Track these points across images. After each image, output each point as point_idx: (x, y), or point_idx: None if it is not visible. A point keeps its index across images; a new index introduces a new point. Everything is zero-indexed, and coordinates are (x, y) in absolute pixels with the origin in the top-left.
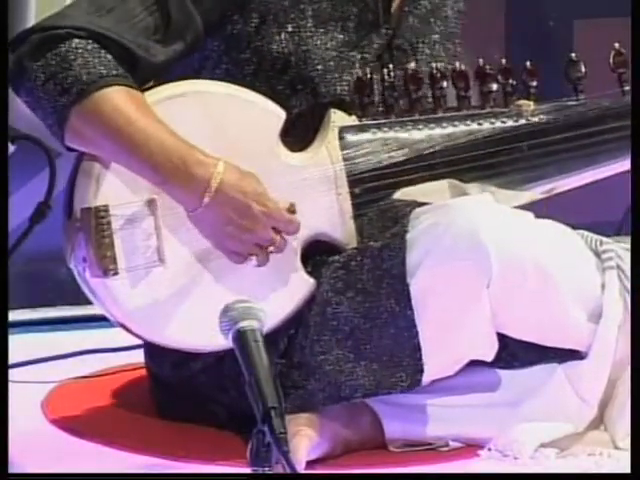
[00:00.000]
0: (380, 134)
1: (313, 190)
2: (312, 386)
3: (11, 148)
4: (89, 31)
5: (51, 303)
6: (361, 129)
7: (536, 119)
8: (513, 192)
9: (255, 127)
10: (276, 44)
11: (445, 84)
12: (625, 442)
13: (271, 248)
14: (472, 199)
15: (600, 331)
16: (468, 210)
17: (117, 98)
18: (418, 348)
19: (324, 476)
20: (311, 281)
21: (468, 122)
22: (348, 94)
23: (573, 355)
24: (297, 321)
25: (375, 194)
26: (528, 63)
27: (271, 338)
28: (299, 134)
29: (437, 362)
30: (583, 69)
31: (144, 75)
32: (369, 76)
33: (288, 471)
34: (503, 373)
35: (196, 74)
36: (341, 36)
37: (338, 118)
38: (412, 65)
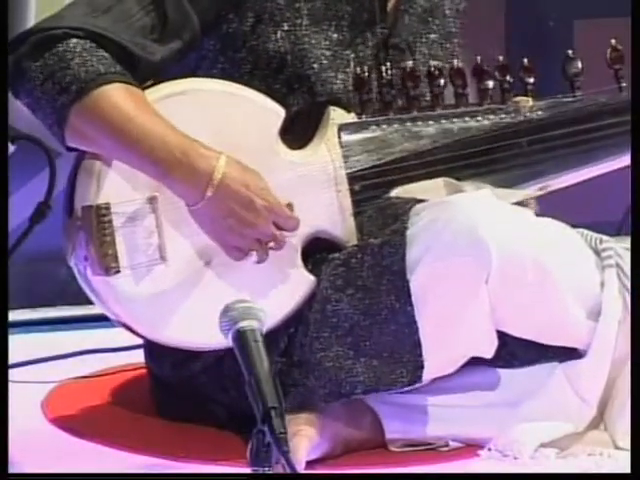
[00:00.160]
0: (379, 131)
1: (313, 187)
2: (312, 383)
3: (11, 148)
4: (86, 31)
5: (51, 303)
6: (360, 126)
7: (534, 116)
8: (508, 190)
9: (255, 125)
10: (272, 43)
11: (442, 81)
12: (625, 441)
13: (271, 244)
14: (472, 195)
15: (599, 329)
16: (467, 206)
17: (116, 95)
18: (418, 344)
19: (324, 476)
20: (311, 278)
21: (466, 119)
22: (344, 92)
23: (572, 354)
24: (297, 319)
25: (375, 191)
26: (525, 60)
27: (271, 337)
28: (298, 131)
29: (437, 359)
30: (580, 65)
31: (142, 74)
32: (367, 74)
33: (288, 471)
34: (503, 373)
35: (193, 74)
36: (335, 35)
37: (337, 115)
38: (410, 63)
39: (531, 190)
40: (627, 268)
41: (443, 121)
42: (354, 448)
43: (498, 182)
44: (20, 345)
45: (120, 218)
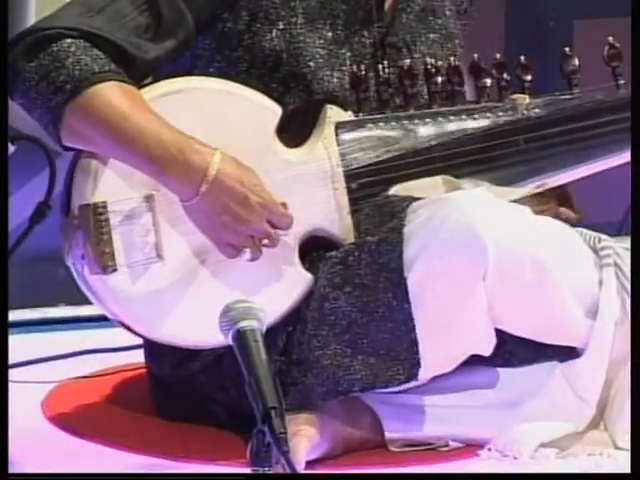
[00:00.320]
0: (376, 129)
1: (310, 185)
2: (310, 381)
3: (11, 148)
4: (80, 31)
5: (51, 303)
6: (357, 124)
7: (531, 113)
8: (505, 188)
9: (252, 123)
10: (267, 42)
11: (440, 79)
12: (625, 441)
13: (265, 241)
14: (469, 193)
15: (596, 328)
16: (465, 203)
17: (111, 93)
18: (415, 342)
19: (324, 476)
20: (309, 276)
21: (463, 117)
22: (341, 90)
23: (571, 354)
24: (295, 317)
25: (372, 189)
26: (522, 57)
27: (270, 335)
28: (295, 130)
29: (435, 356)
30: (577, 63)
31: (137, 73)
32: (364, 72)
33: (288, 471)
34: (502, 373)
35: (189, 73)
36: (330, 33)
37: (334, 114)
38: (407, 61)
39: (529, 188)
40: (626, 267)
41: (440, 119)
42: (354, 448)
43: (496, 180)
44: (20, 345)
45: (117, 216)
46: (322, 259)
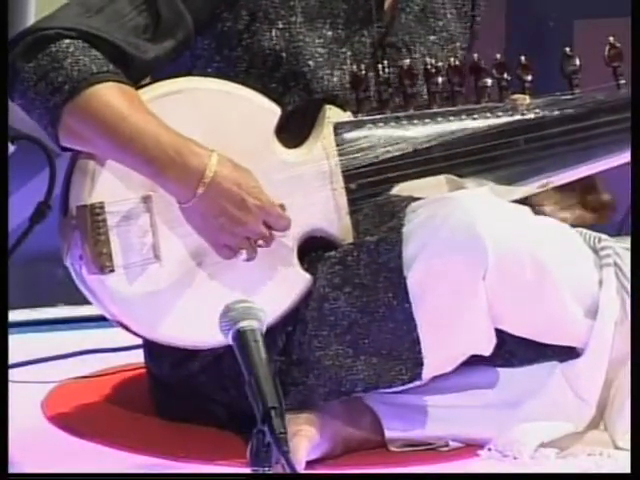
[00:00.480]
0: (375, 129)
1: (309, 186)
2: (312, 382)
3: (11, 148)
4: (79, 31)
5: (51, 303)
6: (356, 125)
7: (531, 114)
8: (508, 187)
9: (251, 124)
10: (267, 41)
11: (440, 79)
12: (625, 441)
13: (260, 242)
14: (469, 192)
15: (596, 328)
16: (465, 203)
17: (109, 94)
18: (417, 341)
19: (324, 476)
20: (307, 277)
21: (463, 117)
22: (341, 90)
23: (571, 353)
24: (295, 318)
25: (371, 189)
26: (523, 58)
27: (269, 335)
28: (294, 130)
29: (436, 356)
30: (578, 63)
31: (136, 73)
32: (364, 72)
33: (288, 471)
34: (502, 373)
35: (188, 73)
36: (330, 33)
37: (333, 114)
38: (407, 61)
39: (531, 187)
40: (626, 267)
41: (440, 119)
42: (354, 448)
43: (498, 179)
44: (20, 345)
45: (114, 217)
46: (321, 259)
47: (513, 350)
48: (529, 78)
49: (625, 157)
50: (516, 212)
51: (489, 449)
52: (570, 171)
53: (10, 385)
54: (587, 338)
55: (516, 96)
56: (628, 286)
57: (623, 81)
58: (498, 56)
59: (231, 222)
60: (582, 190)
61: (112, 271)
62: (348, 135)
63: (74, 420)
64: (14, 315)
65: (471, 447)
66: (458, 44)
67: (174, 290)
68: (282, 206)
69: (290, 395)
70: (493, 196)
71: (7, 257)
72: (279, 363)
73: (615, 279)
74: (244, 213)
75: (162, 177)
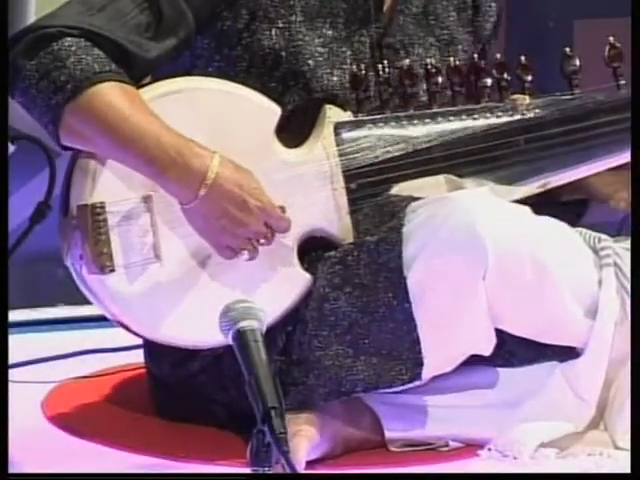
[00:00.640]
0: (376, 129)
1: (309, 186)
2: (312, 382)
3: (11, 148)
4: (81, 29)
5: (51, 303)
6: (357, 125)
7: (531, 114)
8: (508, 187)
9: (251, 123)
10: (266, 40)
11: (440, 79)
12: (625, 441)
13: (262, 241)
14: (469, 192)
15: (596, 328)
16: (465, 203)
17: (111, 94)
18: (417, 341)
19: (324, 476)
20: (308, 277)
21: (463, 117)
22: (340, 89)
23: (571, 353)
24: (295, 317)
25: (371, 189)
26: (523, 58)
27: (269, 335)
28: (295, 130)
29: (436, 356)
30: (578, 63)
31: (138, 72)
32: (364, 71)
33: (288, 471)
34: (502, 373)
35: (188, 72)
36: (330, 32)
37: (333, 114)
38: (407, 61)
39: (531, 187)
40: (625, 268)
41: (440, 119)
42: (354, 448)
43: (498, 179)
44: (20, 345)
45: (115, 217)
46: (321, 259)
47: (513, 350)
48: (529, 78)
49: (625, 157)
50: (516, 212)
51: (489, 449)
52: (570, 171)
53: (10, 385)
54: (587, 338)
55: (516, 96)
56: (628, 286)
57: (623, 81)
58: (498, 56)
59: (232, 223)
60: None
61: (112, 271)
62: (348, 135)
63: (74, 420)
64: (14, 315)
65: (471, 447)
66: (460, 47)
67: (174, 290)
68: (282, 208)
69: (290, 395)
70: (493, 196)
71: (7, 257)
72: (279, 363)
73: (615, 279)
74: (245, 214)
75: (163, 178)
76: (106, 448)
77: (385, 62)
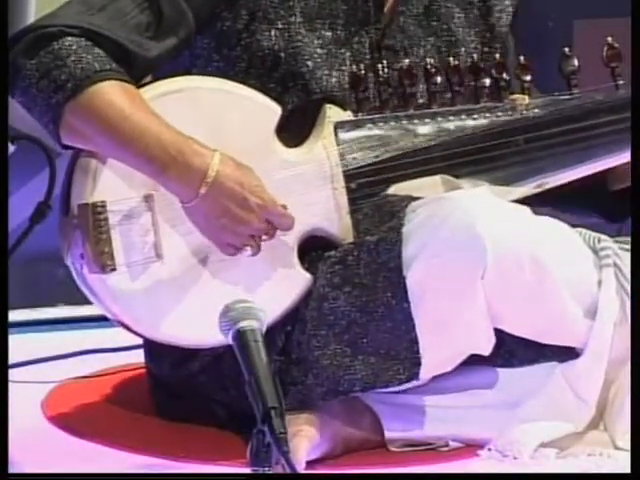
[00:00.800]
0: (375, 129)
1: (309, 185)
2: (310, 381)
3: (11, 148)
4: (82, 29)
5: (51, 303)
6: (356, 124)
7: (530, 113)
8: (506, 187)
9: (251, 123)
10: (266, 41)
11: (439, 79)
12: (625, 441)
13: (264, 237)
14: (469, 192)
15: (595, 328)
16: (465, 203)
17: (111, 92)
18: (415, 341)
19: (324, 476)
20: (308, 276)
21: (463, 117)
22: (339, 90)
23: (571, 354)
24: (294, 317)
25: (371, 189)
26: (522, 57)
27: (269, 335)
28: (295, 129)
29: (435, 356)
30: (576, 63)
31: (138, 71)
32: (364, 72)
33: (288, 471)
34: (502, 373)
35: (188, 72)
36: (329, 33)
37: (334, 113)
38: (406, 61)
39: (529, 187)
40: (625, 268)
41: (439, 119)
42: (354, 448)
43: (495, 180)
44: (20, 345)
45: (116, 216)
46: (321, 259)
47: (513, 350)
48: (528, 78)
49: (624, 157)
50: (516, 212)
51: (489, 449)
52: (569, 171)
53: (10, 385)
54: (586, 338)
55: (515, 96)
56: (628, 287)
57: (622, 81)
58: (497, 56)
59: (234, 221)
60: None
61: (113, 270)
62: (348, 135)
63: (74, 420)
64: (14, 315)
65: (471, 447)
66: (463, 49)
67: (175, 289)
68: (284, 206)
69: (289, 395)
70: (492, 196)
71: (7, 257)
72: (278, 363)
73: (614, 279)
74: (247, 212)
75: (164, 176)
76: (106, 448)
77: (384, 62)
